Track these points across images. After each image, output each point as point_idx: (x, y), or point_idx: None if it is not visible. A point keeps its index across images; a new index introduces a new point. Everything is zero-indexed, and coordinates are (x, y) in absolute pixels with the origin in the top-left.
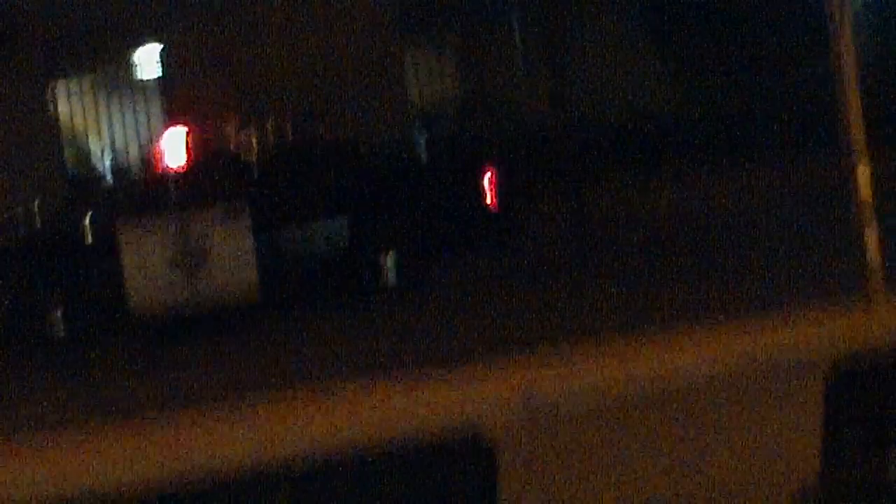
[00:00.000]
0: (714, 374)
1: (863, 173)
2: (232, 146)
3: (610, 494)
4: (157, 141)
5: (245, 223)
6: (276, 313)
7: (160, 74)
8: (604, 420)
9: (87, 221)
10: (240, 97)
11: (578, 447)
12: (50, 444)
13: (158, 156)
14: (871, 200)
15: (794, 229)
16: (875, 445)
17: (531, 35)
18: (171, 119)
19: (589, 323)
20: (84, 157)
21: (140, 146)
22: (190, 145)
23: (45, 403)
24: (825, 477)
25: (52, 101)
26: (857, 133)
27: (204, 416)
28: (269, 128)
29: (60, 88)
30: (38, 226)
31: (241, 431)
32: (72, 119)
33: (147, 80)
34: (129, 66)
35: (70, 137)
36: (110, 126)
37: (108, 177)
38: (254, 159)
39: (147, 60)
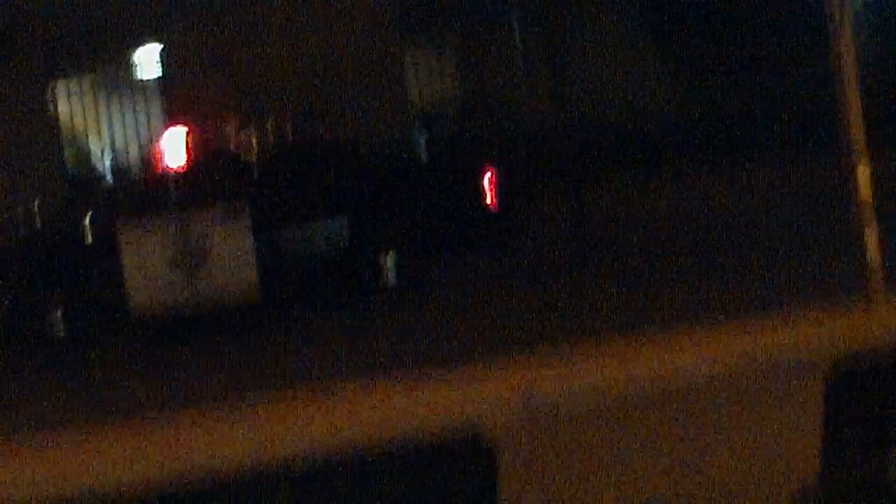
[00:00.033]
0: (714, 374)
1: (863, 173)
2: (232, 146)
3: (610, 494)
4: (157, 141)
5: (245, 223)
6: (276, 313)
7: (160, 75)
8: (604, 420)
9: (87, 221)
10: (240, 97)
11: (578, 447)
12: (50, 445)
13: (158, 156)
14: (871, 200)
15: (794, 229)
16: (875, 445)
17: (531, 35)
18: (170, 119)
19: (589, 323)
20: (84, 157)
21: (140, 146)
22: (190, 145)
23: (45, 403)
24: (825, 477)
25: (52, 101)
26: (857, 133)
27: (204, 416)
28: (269, 128)
29: (60, 89)
30: (38, 226)
31: (241, 431)
32: (72, 119)
33: (147, 81)
34: (128, 67)
35: (70, 137)
36: (110, 126)
37: (108, 177)
38: (254, 159)
39: (147, 61)
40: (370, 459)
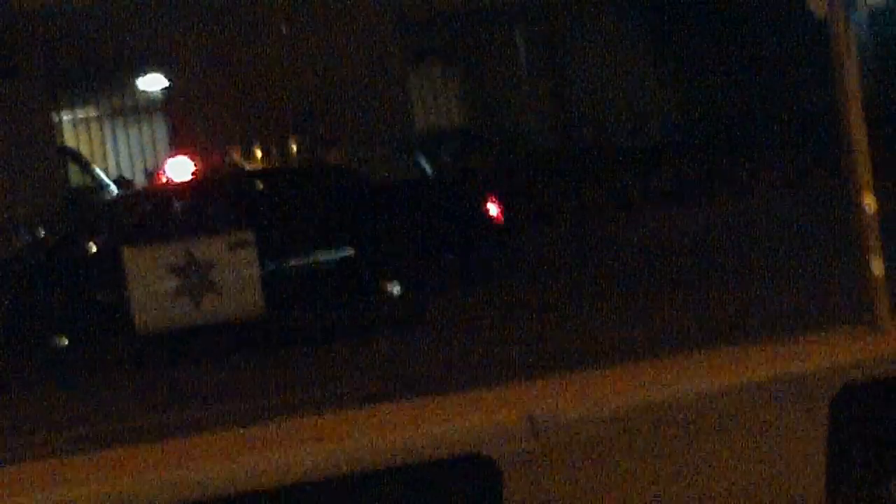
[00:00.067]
0: (720, 399)
1: (867, 201)
2: (236, 173)
3: None
4: (162, 168)
5: (250, 249)
6: (281, 338)
7: (164, 102)
8: (610, 445)
9: (92, 247)
10: (244, 124)
11: (584, 472)
12: (54, 471)
13: (163, 181)
14: (875, 224)
15: (799, 252)
16: (882, 470)
17: (534, 59)
18: (175, 146)
19: (595, 347)
20: (88, 183)
21: (145, 173)
22: (194, 173)
23: (48, 429)
24: (832, 502)
25: (57, 128)
26: (863, 163)
27: (206, 441)
28: (274, 155)
29: (66, 116)
30: (44, 251)
31: (243, 456)
32: (77, 146)
33: (151, 108)
34: (133, 95)
35: (75, 163)
36: (115, 152)
37: (113, 203)
38: (259, 186)
39: (151, 89)
40: (374, 481)
